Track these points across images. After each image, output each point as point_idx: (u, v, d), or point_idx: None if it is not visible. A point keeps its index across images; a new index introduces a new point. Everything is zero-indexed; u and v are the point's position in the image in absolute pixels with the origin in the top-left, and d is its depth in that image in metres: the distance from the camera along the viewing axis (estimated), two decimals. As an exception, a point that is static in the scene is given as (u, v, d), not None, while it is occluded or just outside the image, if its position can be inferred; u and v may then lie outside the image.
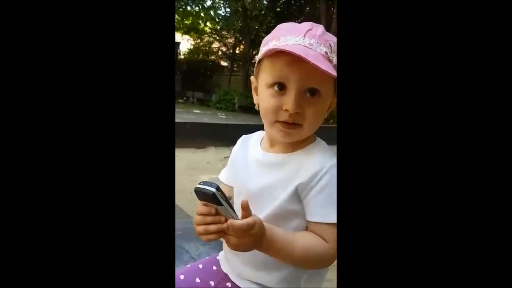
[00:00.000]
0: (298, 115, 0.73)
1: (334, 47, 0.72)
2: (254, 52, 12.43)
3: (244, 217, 0.65)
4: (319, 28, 0.75)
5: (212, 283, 0.87)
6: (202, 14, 15.70)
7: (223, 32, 15.73)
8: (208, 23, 16.44)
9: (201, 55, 17.33)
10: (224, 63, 17.15)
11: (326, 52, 0.71)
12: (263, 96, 0.76)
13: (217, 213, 0.65)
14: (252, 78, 0.84)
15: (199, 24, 16.37)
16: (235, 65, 15.56)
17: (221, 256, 0.92)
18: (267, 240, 0.68)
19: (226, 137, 4.64)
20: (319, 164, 0.73)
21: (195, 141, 5.57)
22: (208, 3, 15.14)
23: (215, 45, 16.94)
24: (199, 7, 15.21)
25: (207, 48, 17.23)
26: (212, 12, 15.44)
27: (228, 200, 0.65)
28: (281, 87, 0.73)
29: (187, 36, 16.95)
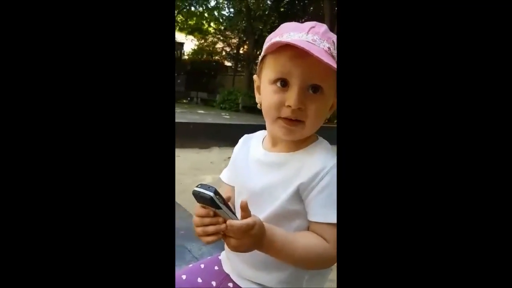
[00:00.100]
0: (300, 111, 0.72)
1: None
2: (258, 52, 12.37)
3: (243, 217, 0.65)
4: (322, 27, 0.75)
5: (214, 283, 0.87)
6: (206, 15, 15.76)
7: (227, 33, 15.73)
8: (212, 24, 16.47)
9: (205, 56, 17.32)
10: (228, 63, 17.15)
11: (329, 48, 0.71)
12: (266, 93, 0.76)
13: (215, 215, 0.65)
14: (254, 77, 0.83)
15: (203, 24, 16.41)
16: (239, 65, 15.56)
17: (223, 256, 0.92)
18: (267, 241, 0.67)
19: (229, 137, 4.62)
20: (321, 163, 0.73)
21: (199, 141, 5.58)
22: (212, 3, 15.21)
23: (219, 45, 16.94)
24: (203, 7, 15.27)
25: (211, 49, 17.22)
26: (216, 13, 15.49)
27: (226, 203, 0.65)
28: (284, 83, 0.73)
29: (191, 37, 17.00)
